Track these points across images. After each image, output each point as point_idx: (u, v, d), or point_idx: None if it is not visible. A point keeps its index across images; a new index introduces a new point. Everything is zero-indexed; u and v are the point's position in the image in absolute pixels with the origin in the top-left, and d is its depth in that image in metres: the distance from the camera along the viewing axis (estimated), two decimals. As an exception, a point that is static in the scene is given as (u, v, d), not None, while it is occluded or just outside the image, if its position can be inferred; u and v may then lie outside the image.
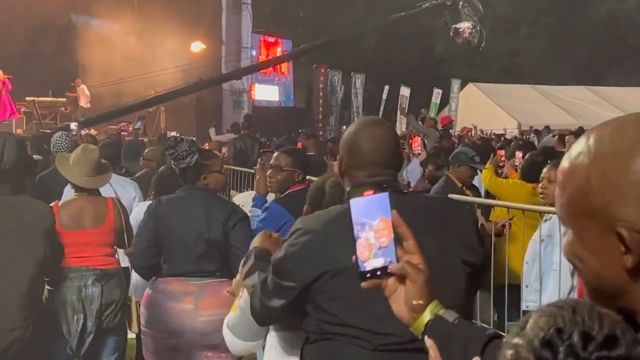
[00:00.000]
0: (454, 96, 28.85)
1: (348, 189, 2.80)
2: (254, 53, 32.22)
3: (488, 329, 1.81)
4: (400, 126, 24.40)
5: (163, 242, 4.80)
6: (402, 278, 1.73)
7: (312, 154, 11.15)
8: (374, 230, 1.70)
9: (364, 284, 1.72)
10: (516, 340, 1.19)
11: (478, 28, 20.06)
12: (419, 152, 11.10)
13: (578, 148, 1.36)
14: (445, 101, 29.16)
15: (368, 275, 1.71)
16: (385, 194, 1.71)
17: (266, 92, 33.54)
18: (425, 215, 2.70)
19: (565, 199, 1.37)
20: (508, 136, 20.87)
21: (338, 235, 2.45)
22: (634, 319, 1.32)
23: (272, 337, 3.14)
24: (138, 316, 5.15)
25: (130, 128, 18.68)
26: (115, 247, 5.40)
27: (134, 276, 5.43)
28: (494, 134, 22.21)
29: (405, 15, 22.41)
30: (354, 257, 1.70)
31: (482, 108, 28.29)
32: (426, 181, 8.35)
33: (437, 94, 28.39)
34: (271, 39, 33.99)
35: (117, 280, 5.27)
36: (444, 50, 35.33)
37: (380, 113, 27.25)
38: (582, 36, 36.73)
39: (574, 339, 1.14)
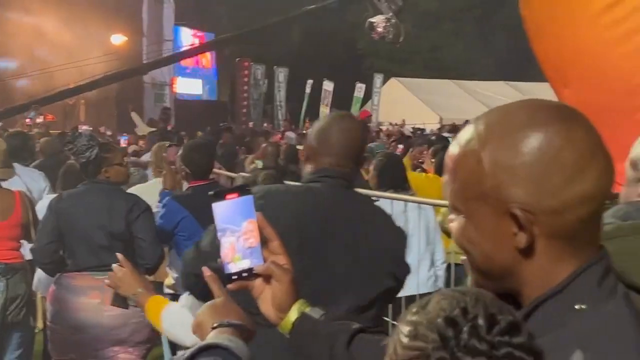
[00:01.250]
0: (376, 91, 29.05)
1: (310, 173, 2.89)
2: (175, 45, 31.94)
3: (354, 324, 1.82)
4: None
5: (65, 237, 4.75)
6: (268, 279, 1.75)
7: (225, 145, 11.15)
8: (240, 233, 1.71)
9: (229, 286, 1.73)
10: (415, 317, 1.19)
11: (393, 22, 19.75)
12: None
13: (467, 135, 1.39)
14: (368, 96, 29.33)
15: (234, 277, 1.72)
16: (250, 197, 1.72)
17: (189, 86, 33.29)
18: (352, 215, 2.80)
19: (457, 185, 1.39)
20: (428, 131, 21.10)
21: None
22: (516, 300, 1.37)
23: (186, 299, 3.13)
24: (44, 311, 5.09)
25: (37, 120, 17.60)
26: (20, 241, 5.32)
27: (38, 271, 5.35)
28: (414, 128, 22.44)
29: (316, 7, 21.97)
30: (219, 260, 1.71)
31: (404, 103, 28.57)
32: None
33: (359, 89, 28.54)
34: (193, 32, 33.72)
35: (21, 275, 5.19)
36: (367, 45, 35.52)
37: (304, 107, 27.34)
38: (503, 32, 37.26)
39: (479, 320, 1.14)
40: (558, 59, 3.57)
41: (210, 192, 1.69)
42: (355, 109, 26.83)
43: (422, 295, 1.41)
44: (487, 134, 1.36)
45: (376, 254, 2.78)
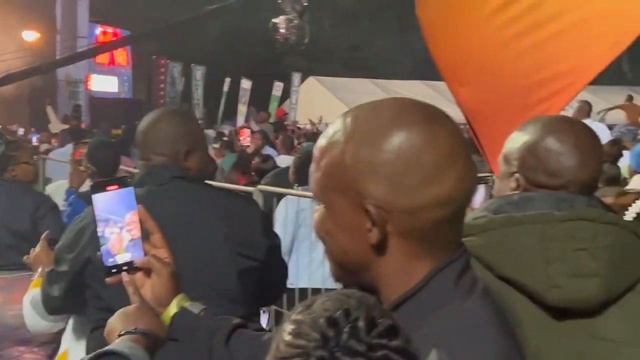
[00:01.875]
0: (294, 89, 29.05)
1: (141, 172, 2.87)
2: (90, 42, 31.44)
3: (234, 319, 1.82)
4: (242, 118, 24.40)
5: (-31, 236, 4.67)
6: (148, 272, 1.75)
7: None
8: (119, 225, 1.70)
9: (108, 280, 1.73)
10: (299, 316, 1.20)
11: (296, 23, 19.15)
12: (247, 144, 11.13)
13: (335, 127, 1.41)
14: (286, 94, 29.31)
15: (114, 270, 1.72)
16: (131, 189, 1.71)
17: (104, 83, 32.77)
18: (200, 207, 2.78)
19: (320, 174, 1.40)
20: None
21: None
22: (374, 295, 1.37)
23: (72, 319, 3.13)
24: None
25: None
26: None
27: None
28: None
29: (217, 7, 21.30)
30: (98, 253, 1.71)
31: (322, 101, 28.61)
32: (252, 173, 8.39)
33: (278, 87, 28.49)
34: (109, 29, 33.24)
35: None
36: (285, 43, 35.49)
37: (222, 105, 27.18)
38: (420, 31, 37.64)
39: (359, 322, 1.15)
40: (453, 58, 3.65)
41: (90, 184, 1.69)
42: (273, 108, 26.79)
43: (327, 290, 1.45)
44: (353, 128, 1.37)
45: (228, 239, 2.74)
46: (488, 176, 2.51)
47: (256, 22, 32.60)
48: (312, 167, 1.44)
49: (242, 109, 25.80)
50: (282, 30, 18.99)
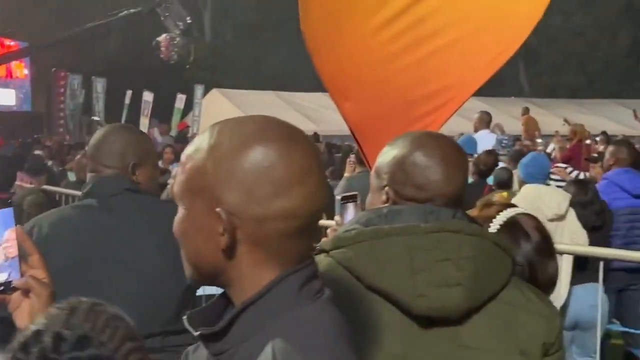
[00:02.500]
0: (197, 102, 28.88)
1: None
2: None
3: None
4: (145, 131, 24.11)
5: None
6: (26, 292, 1.76)
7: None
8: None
9: None
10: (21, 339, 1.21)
11: (178, 41, 18.59)
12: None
13: (204, 135, 1.49)
14: (189, 106, 29.14)
15: None
16: (10, 209, 1.73)
17: (0, 96, 32.06)
18: (151, 219, 2.84)
19: (183, 177, 1.48)
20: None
21: None
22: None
23: None
24: None
25: None
26: None
27: None
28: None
29: (100, 24, 20.52)
30: None
31: (225, 114, 28.07)
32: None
33: (180, 99, 28.28)
34: (8, 42, 32.51)
35: None
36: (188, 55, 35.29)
37: (123, 118, 26.82)
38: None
39: (46, 342, 1.16)
40: (338, 73, 3.71)
41: None
42: (176, 120, 26.61)
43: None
44: (218, 138, 1.46)
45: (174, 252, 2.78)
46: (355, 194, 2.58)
47: (158, 33, 32.41)
48: (178, 170, 1.52)
49: (144, 121, 25.52)
50: (163, 49, 18.45)
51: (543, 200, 6.06)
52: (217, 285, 1.50)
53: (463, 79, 3.78)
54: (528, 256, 2.34)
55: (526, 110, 22.08)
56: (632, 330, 6.58)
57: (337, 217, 2.50)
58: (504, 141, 11.54)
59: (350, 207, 2.49)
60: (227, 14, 40.85)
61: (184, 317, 1.48)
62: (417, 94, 3.79)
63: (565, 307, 6.00)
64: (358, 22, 3.64)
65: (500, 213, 2.38)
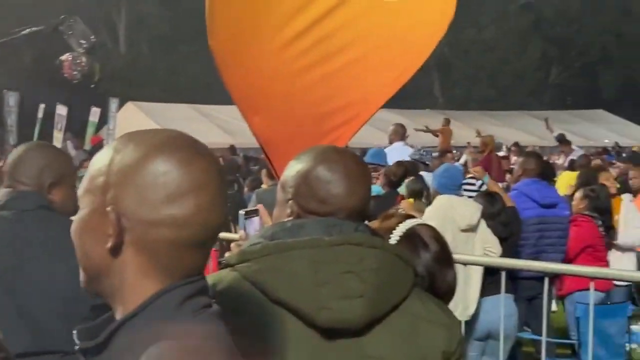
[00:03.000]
0: (112, 115, 28.51)
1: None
2: None
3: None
4: (58, 145, 23.74)
5: None
6: None
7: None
8: None
9: None
10: None
11: (81, 60, 18.33)
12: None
13: (114, 143, 1.54)
14: (104, 120, 28.76)
15: None
16: None
17: None
18: (61, 237, 2.79)
19: (85, 179, 1.51)
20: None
21: None
22: None
23: None
24: None
25: None
26: None
27: None
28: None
29: (4, 41, 19.94)
30: None
31: (140, 127, 27.57)
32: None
33: (95, 113, 27.92)
34: None
35: None
36: (102, 68, 34.86)
37: (36, 132, 26.36)
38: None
39: None
40: (246, 88, 3.74)
41: None
42: (90, 134, 26.26)
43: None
44: (125, 143, 1.50)
45: (73, 272, 2.77)
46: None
47: (70, 48, 31.91)
48: (85, 173, 1.55)
49: (57, 135, 25.15)
50: (66, 68, 18.24)
51: (456, 211, 6.18)
52: (104, 296, 1.50)
53: (367, 95, 3.85)
54: (428, 265, 2.40)
55: (447, 122, 22.43)
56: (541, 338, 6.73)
57: (241, 232, 2.52)
58: (422, 152, 11.69)
59: (255, 221, 2.52)
60: (142, 25, 40.48)
61: (74, 331, 1.48)
62: (323, 109, 3.84)
63: (476, 317, 6.12)
64: (265, 38, 3.68)
65: (400, 225, 2.44)
